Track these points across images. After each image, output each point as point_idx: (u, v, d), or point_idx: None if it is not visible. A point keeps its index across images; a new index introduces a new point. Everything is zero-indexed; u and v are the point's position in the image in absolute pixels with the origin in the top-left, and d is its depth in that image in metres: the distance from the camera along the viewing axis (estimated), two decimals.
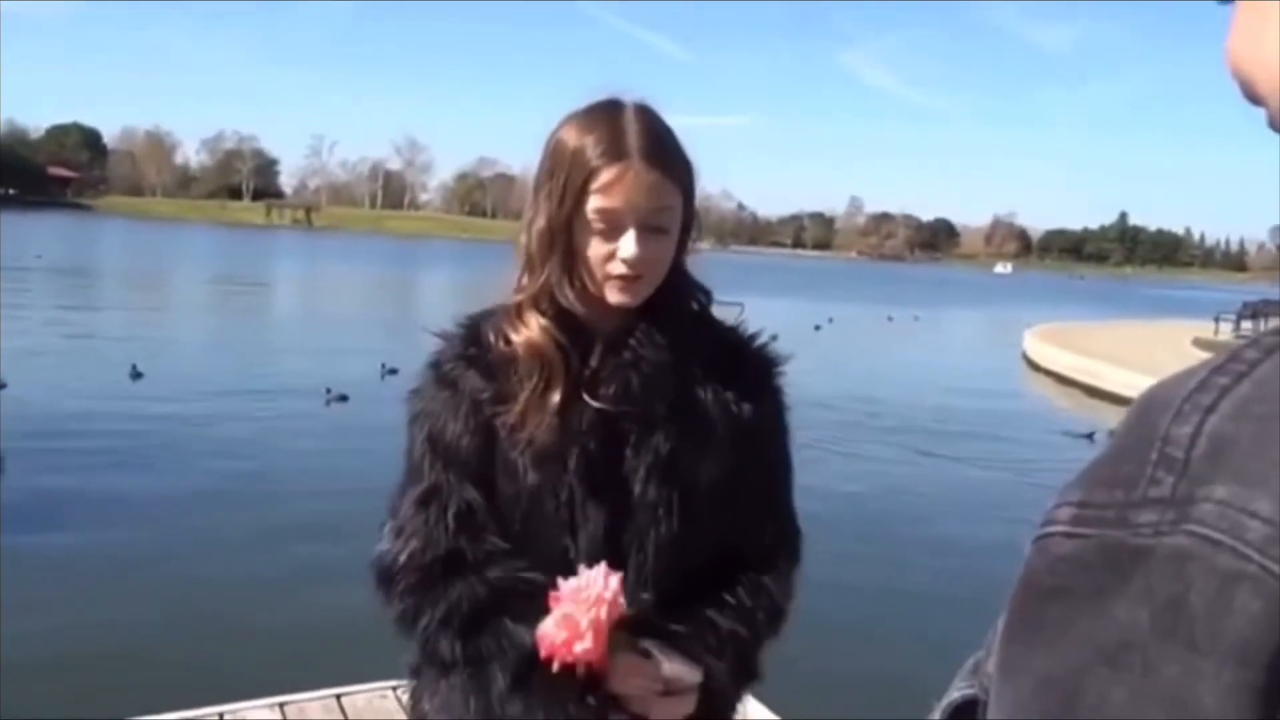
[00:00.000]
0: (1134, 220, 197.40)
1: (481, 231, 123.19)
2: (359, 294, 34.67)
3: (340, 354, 17.53)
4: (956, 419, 14.56)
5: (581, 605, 1.26)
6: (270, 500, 8.63)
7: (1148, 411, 0.40)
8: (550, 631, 1.28)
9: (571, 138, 1.36)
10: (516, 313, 1.40)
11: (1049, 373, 20.96)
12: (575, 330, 1.40)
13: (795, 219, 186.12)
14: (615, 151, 1.33)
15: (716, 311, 1.51)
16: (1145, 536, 0.37)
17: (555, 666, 1.28)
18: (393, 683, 3.66)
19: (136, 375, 13.87)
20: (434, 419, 1.40)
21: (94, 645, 5.41)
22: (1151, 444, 0.38)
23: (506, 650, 1.34)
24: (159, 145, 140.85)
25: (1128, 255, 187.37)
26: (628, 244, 1.33)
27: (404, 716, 3.44)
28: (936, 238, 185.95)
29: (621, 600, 1.28)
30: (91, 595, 6.21)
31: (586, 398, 1.38)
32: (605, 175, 1.33)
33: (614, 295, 1.37)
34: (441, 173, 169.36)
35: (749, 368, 1.47)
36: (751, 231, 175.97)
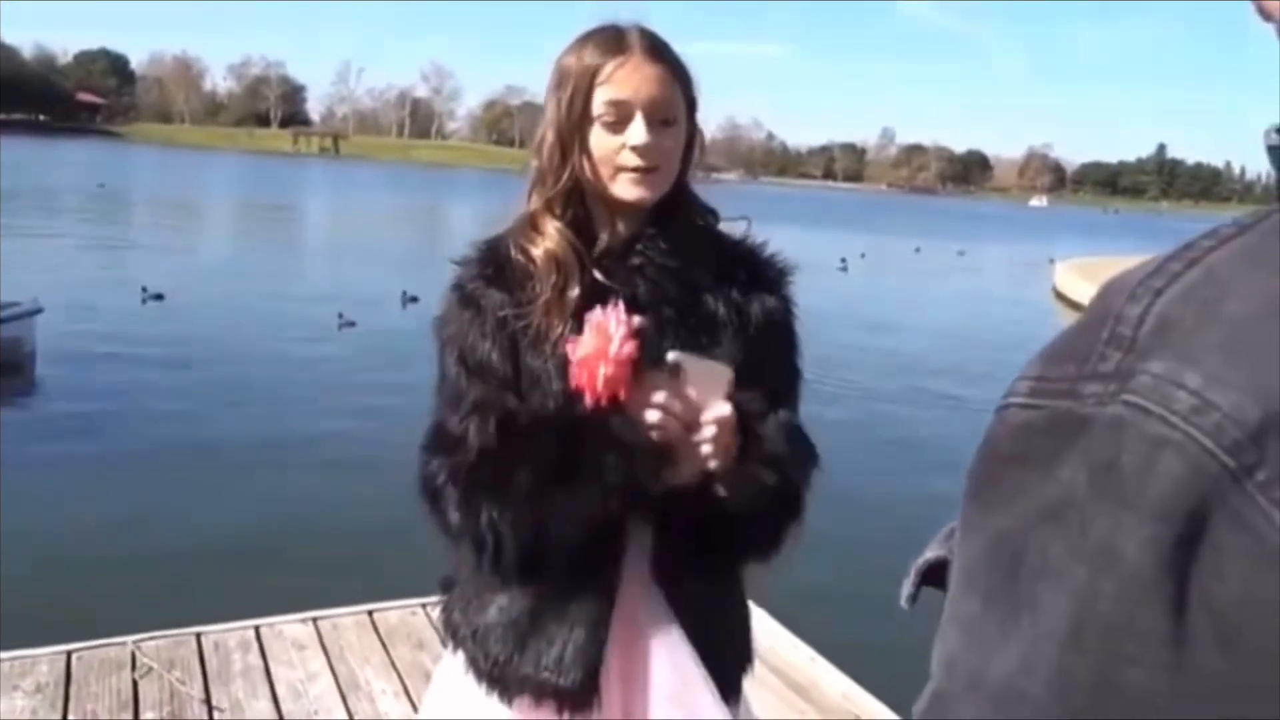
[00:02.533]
0: (1172, 153, 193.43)
1: (509, 160, 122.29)
2: (384, 223, 34.67)
3: (362, 281, 17.63)
4: (984, 354, 14.48)
5: (595, 336, 1.30)
6: (292, 421, 8.77)
7: (1106, 295, 0.43)
8: (579, 355, 1.31)
9: (573, 53, 1.40)
10: (530, 223, 1.43)
11: (1080, 307, 20.71)
12: (588, 240, 1.42)
13: (826, 150, 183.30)
14: (617, 47, 1.38)
15: (722, 228, 1.52)
16: (1090, 406, 0.39)
17: (592, 398, 1.30)
18: (422, 600, 3.76)
19: (157, 297, 14.03)
20: (462, 340, 1.42)
21: (128, 561, 5.58)
22: (1104, 323, 0.41)
23: (538, 449, 1.34)
24: (187, 71, 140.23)
25: (1164, 189, 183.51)
26: (637, 130, 1.36)
27: (432, 632, 3.55)
28: (969, 170, 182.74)
29: (634, 322, 1.31)
30: (120, 511, 6.37)
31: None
32: (609, 68, 1.36)
33: (627, 190, 1.38)
34: (469, 101, 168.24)
35: (758, 276, 1.49)
36: (781, 162, 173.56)
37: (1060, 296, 23.03)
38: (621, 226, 1.43)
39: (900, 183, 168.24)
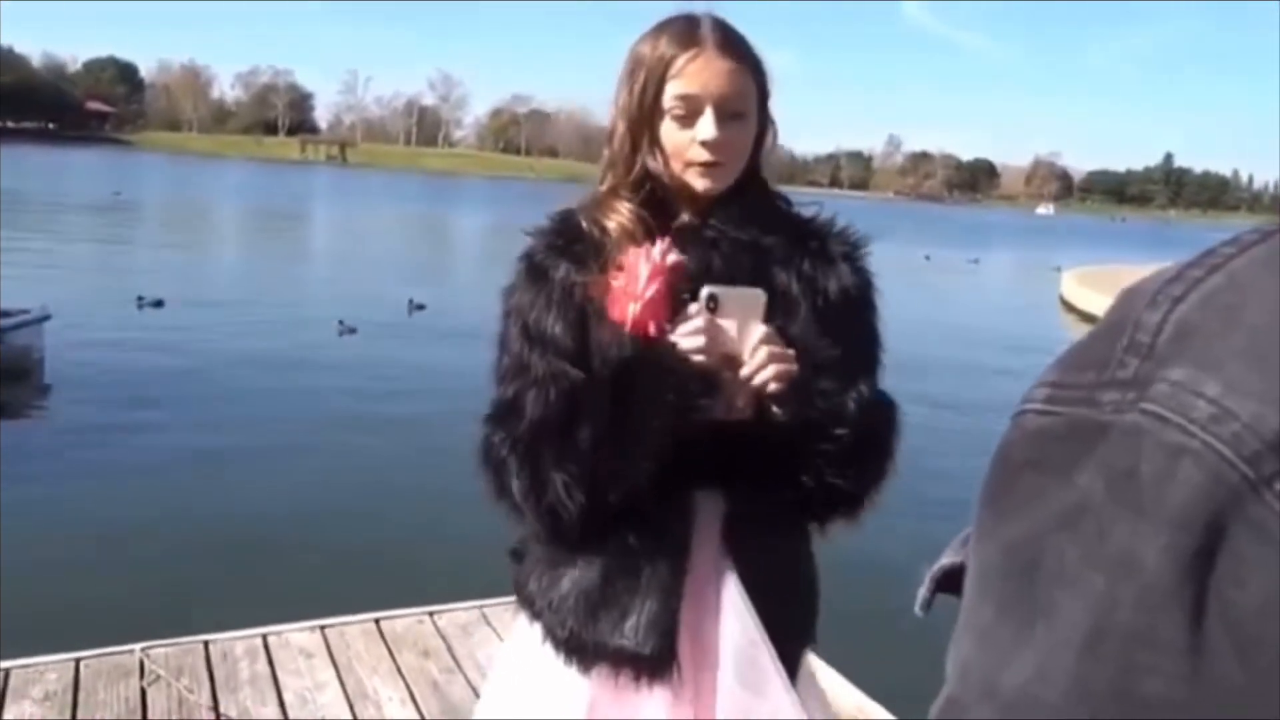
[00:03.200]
0: (1180, 161, 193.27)
1: (515, 168, 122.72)
2: (391, 230, 34.75)
3: (368, 289, 17.65)
4: (990, 362, 14.45)
5: (637, 261, 1.34)
6: (295, 429, 8.78)
7: (1125, 301, 0.42)
8: (615, 296, 1.35)
9: (647, 43, 1.42)
10: (602, 201, 1.45)
11: (1087, 316, 20.70)
12: (660, 215, 1.44)
13: (832, 158, 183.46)
14: (689, 40, 1.39)
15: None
16: (1108, 413, 0.39)
17: (630, 324, 1.34)
18: (429, 608, 3.76)
19: (156, 304, 14.04)
20: (526, 310, 1.43)
21: (136, 569, 5.58)
22: (1124, 329, 0.41)
23: (595, 390, 1.36)
24: (195, 79, 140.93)
25: (1172, 198, 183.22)
26: (706, 125, 1.38)
27: (439, 640, 3.56)
28: (976, 178, 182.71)
29: (671, 257, 1.34)
30: (128, 519, 6.38)
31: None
32: (680, 61, 1.38)
33: (696, 182, 1.41)
34: (476, 109, 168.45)
35: (831, 249, 1.49)
36: (787, 170, 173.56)
37: (1067, 305, 22.99)
38: (692, 211, 1.45)
39: (906, 190, 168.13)
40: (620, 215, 1.42)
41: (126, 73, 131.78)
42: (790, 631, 1.50)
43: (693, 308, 1.36)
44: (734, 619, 1.45)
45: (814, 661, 1.67)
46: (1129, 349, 0.40)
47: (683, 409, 1.35)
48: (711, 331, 1.35)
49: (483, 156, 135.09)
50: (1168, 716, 0.36)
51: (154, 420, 8.86)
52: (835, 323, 1.44)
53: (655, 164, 1.41)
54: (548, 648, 1.49)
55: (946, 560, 0.51)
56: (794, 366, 1.38)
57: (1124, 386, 0.39)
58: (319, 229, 34.71)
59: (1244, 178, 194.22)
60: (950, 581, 0.49)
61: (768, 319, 1.39)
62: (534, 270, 1.44)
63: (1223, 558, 0.36)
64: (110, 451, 7.87)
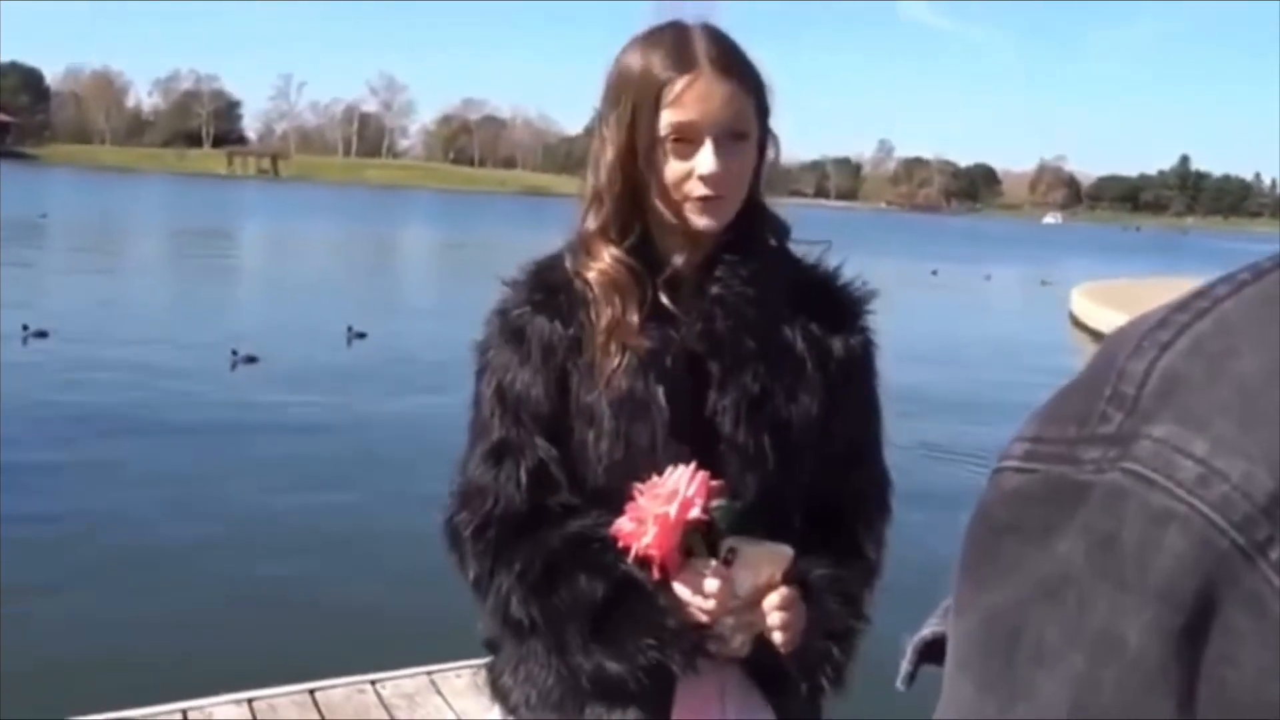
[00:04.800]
0: (1196, 165, 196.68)
1: (468, 181, 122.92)
2: (329, 251, 34.64)
3: (301, 316, 17.57)
4: (996, 387, 14.58)
5: (655, 501, 1.33)
6: (209, 478, 8.68)
7: (1109, 347, 0.43)
8: (621, 523, 1.35)
9: (635, 59, 1.41)
10: (585, 247, 1.44)
11: (1099, 335, 20.95)
12: (651, 264, 1.44)
13: (818, 165, 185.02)
14: (685, 62, 1.38)
15: (794, 250, 1.56)
16: (1089, 473, 0.39)
17: (631, 557, 1.35)
18: (370, 676, 3.73)
19: (40, 335, 13.86)
20: (502, 371, 1.44)
21: (41, 642, 5.49)
22: (1106, 380, 0.41)
23: (580, 604, 1.39)
24: (107, 86, 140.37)
25: (1189, 204, 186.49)
26: (705, 158, 1.37)
27: (382, 711, 3.53)
28: (976, 185, 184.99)
29: (698, 502, 1.33)
30: (14, 590, 6.27)
31: (671, 333, 1.42)
32: (677, 87, 1.37)
33: (695, 219, 1.40)
34: (423, 116, 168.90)
35: (836, 305, 1.51)
36: (769, 178, 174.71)
37: (1078, 323, 23.26)
38: (687, 251, 1.45)
39: (900, 200, 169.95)
40: (603, 264, 1.41)
41: (30, 80, 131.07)
42: (797, 714, 1.52)
43: (710, 565, 1.37)
44: (737, 707, 1.46)
45: None
46: (1111, 401, 0.40)
47: (656, 668, 1.37)
48: (721, 590, 1.36)
49: (431, 168, 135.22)
50: None
51: (40, 465, 8.73)
52: (842, 394, 1.47)
53: (649, 198, 1.41)
54: None
55: (929, 631, 0.51)
56: (803, 629, 1.40)
57: (1106, 443, 0.39)
58: (247, 249, 34.52)
59: (1266, 182, 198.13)
60: (934, 652, 0.49)
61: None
62: (508, 328, 1.45)
63: (1214, 634, 0.35)
64: None
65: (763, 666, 1.46)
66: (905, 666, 0.56)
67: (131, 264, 27.69)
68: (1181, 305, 0.42)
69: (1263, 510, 0.35)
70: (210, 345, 13.70)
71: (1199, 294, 0.42)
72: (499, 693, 1.56)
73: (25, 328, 13.95)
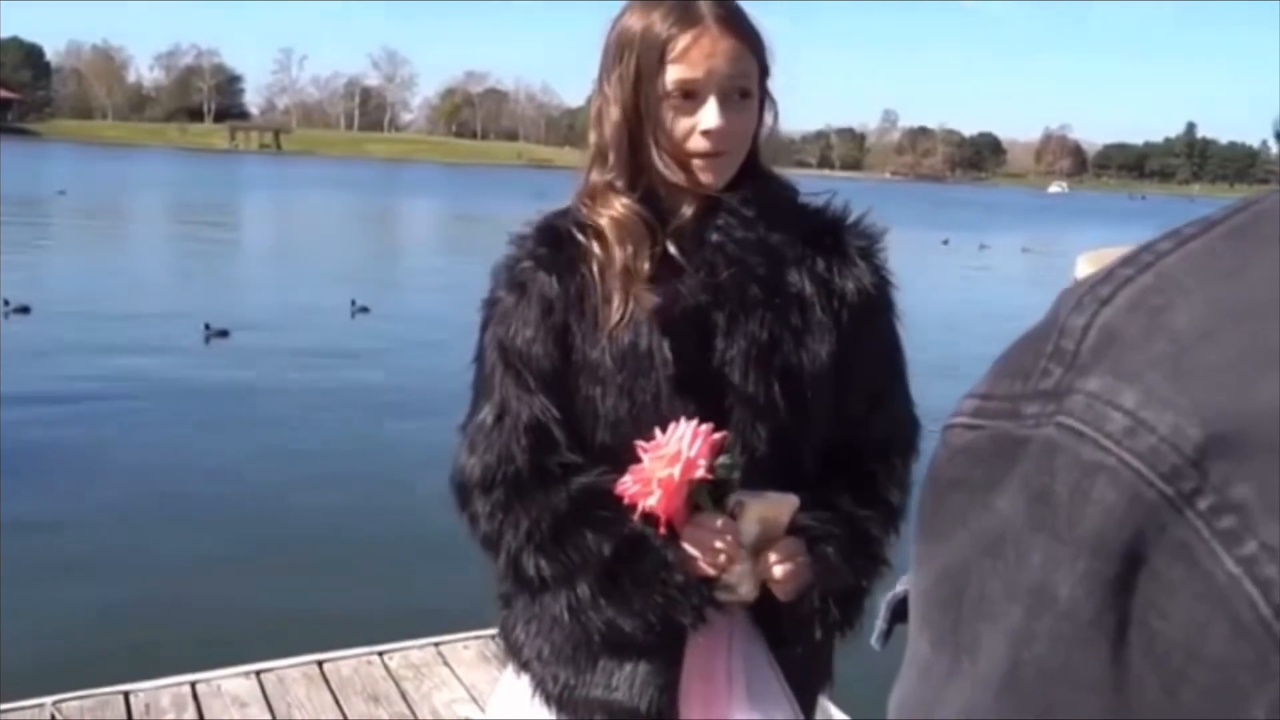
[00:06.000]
0: (1202, 132, 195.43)
1: (471, 154, 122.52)
2: (332, 225, 34.56)
3: (306, 290, 17.54)
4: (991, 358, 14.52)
5: (658, 463, 1.33)
6: (216, 451, 8.70)
7: (1057, 304, 0.43)
8: (626, 485, 1.35)
9: (636, 18, 1.41)
10: (594, 196, 1.44)
11: None
12: (658, 213, 1.43)
13: (822, 135, 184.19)
14: (689, 18, 1.38)
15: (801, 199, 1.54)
16: (1028, 428, 0.40)
17: (637, 513, 1.36)
18: (377, 647, 3.73)
19: (21, 310, 13.89)
20: (504, 326, 1.44)
21: (42, 613, 5.50)
22: (1049, 336, 0.41)
23: (589, 561, 1.39)
24: (109, 61, 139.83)
25: (1195, 172, 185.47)
26: (709, 114, 1.37)
27: (390, 684, 3.53)
28: (980, 155, 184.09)
29: (701, 462, 1.32)
30: (29, 556, 6.28)
31: (676, 285, 1.41)
32: (681, 43, 1.37)
33: (699, 175, 1.40)
34: (425, 89, 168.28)
35: (847, 244, 1.49)
36: (772, 149, 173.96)
37: None
38: (691, 205, 1.44)
39: (904, 170, 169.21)
40: (615, 210, 1.41)
41: (32, 56, 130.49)
42: (805, 673, 1.52)
43: (717, 519, 1.37)
44: (744, 662, 1.46)
45: (831, 709, 1.69)
46: (1052, 357, 0.40)
47: (664, 621, 1.39)
48: (729, 544, 1.37)
49: (433, 141, 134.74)
50: None
51: (43, 442, 8.74)
52: (854, 329, 1.45)
53: (653, 156, 1.40)
54: (537, 702, 1.51)
55: (902, 588, 0.51)
56: (806, 579, 1.41)
57: (1045, 398, 0.40)
58: (250, 224, 34.48)
59: (1273, 149, 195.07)
60: (906, 610, 0.49)
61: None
62: (512, 283, 1.45)
63: (1143, 584, 0.36)
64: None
65: (766, 616, 1.46)
66: (880, 624, 0.57)
67: (135, 239, 27.65)
68: (1126, 260, 0.42)
69: (1191, 462, 0.36)
70: (210, 317, 13.65)
71: (1144, 248, 0.42)
72: (511, 647, 1.56)
73: (6, 303, 13.93)
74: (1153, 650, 0.36)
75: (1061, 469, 0.38)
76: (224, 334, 13.07)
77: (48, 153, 75.28)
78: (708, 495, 1.37)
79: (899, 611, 0.54)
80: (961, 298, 21.81)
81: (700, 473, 1.33)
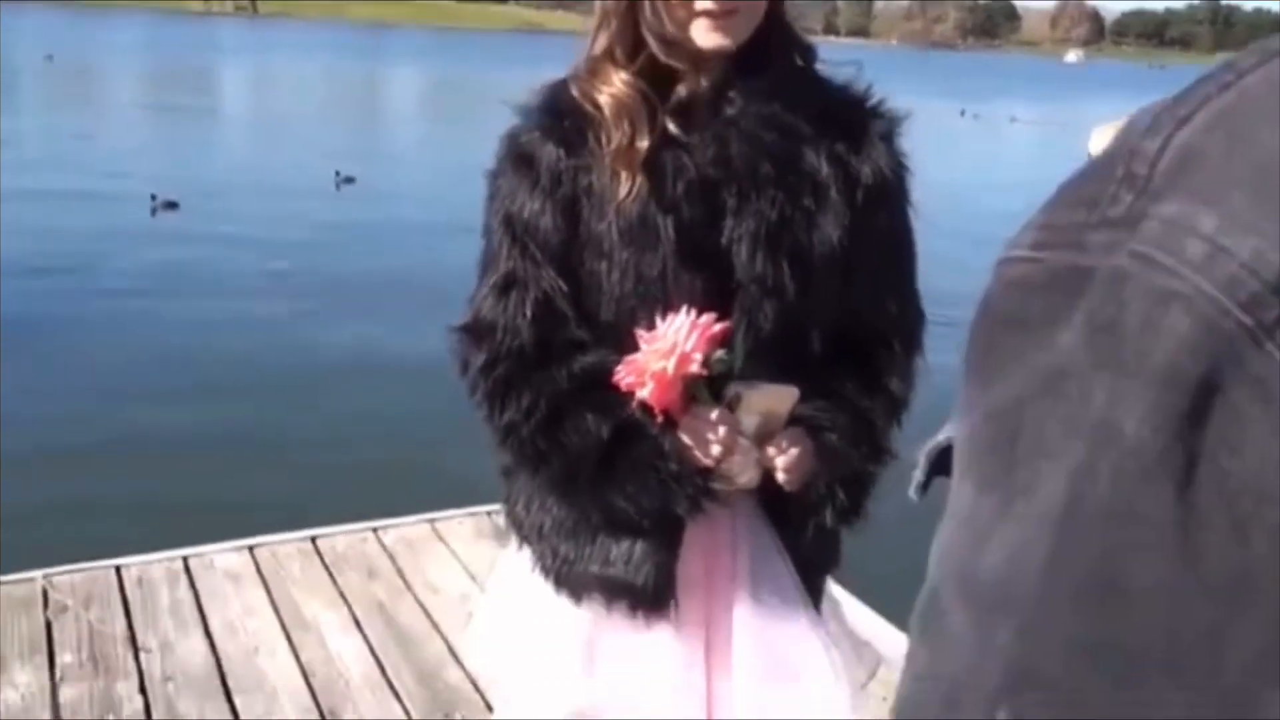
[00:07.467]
0: None
1: (460, 17, 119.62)
2: (312, 92, 33.91)
3: (286, 160, 17.30)
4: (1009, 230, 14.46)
5: (653, 356, 1.33)
6: (211, 327, 8.69)
7: (1128, 127, 0.41)
8: (621, 375, 1.36)
9: None
10: (593, 70, 1.40)
11: None
12: (663, 86, 1.39)
13: (827, 0, 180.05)
14: None
15: (822, 71, 1.50)
16: (1095, 258, 0.38)
17: (635, 403, 1.37)
18: (372, 524, 3.78)
19: None
20: (510, 197, 1.42)
21: (34, 486, 5.56)
22: (1120, 161, 0.39)
23: (587, 444, 1.40)
24: None
25: (1218, 39, 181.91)
26: None
27: (385, 559, 3.59)
28: (993, 21, 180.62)
29: (696, 356, 1.33)
30: (22, 430, 6.32)
31: (684, 159, 1.38)
32: None
33: (705, 37, 1.35)
34: None
35: (865, 125, 1.45)
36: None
37: None
38: (702, 75, 1.39)
39: (913, 37, 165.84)
40: (613, 87, 1.38)
41: None
42: (813, 556, 1.53)
43: (714, 411, 1.37)
44: (750, 543, 1.48)
45: (838, 591, 1.71)
46: (1123, 182, 0.39)
47: (662, 510, 1.40)
48: (726, 436, 1.37)
49: (420, 4, 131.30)
50: (1155, 605, 0.36)
51: (28, 316, 8.72)
52: (867, 214, 1.43)
53: (654, 18, 1.35)
54: (537, 577, 1.54)
55: (943, 436, 0.50)
56: (810, 467, 1.41)
57: (1114, 226, 0.38)
58: (226, 91, 33.82)
59: None
60: (947, 461, 0.48)
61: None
62: (518, 154, 1.43)
63: (1216, 420, 0.35)
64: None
65: (773, 504, 1.47)
66: (917, 475, 0.56)
67: (105, 103, 27.15)
68: (1208, 77, 0.40)
69: (1273, 289, 0.34)
70: (203, 190, 13.49)
71: (1225, 67, 0.40)
72: (514, 521, 1.59)
73: None
74: (1223, 490, 0.35)
75: (1131, 299, 0.36)
76: (173, 205, 12.87)
77: (22, 10, 73.44)
78: (704, 387, 1.37)
79: (938, 462, 0.52)
80: (980, 177, 21.58)
81: (694, 368, 1.33)
